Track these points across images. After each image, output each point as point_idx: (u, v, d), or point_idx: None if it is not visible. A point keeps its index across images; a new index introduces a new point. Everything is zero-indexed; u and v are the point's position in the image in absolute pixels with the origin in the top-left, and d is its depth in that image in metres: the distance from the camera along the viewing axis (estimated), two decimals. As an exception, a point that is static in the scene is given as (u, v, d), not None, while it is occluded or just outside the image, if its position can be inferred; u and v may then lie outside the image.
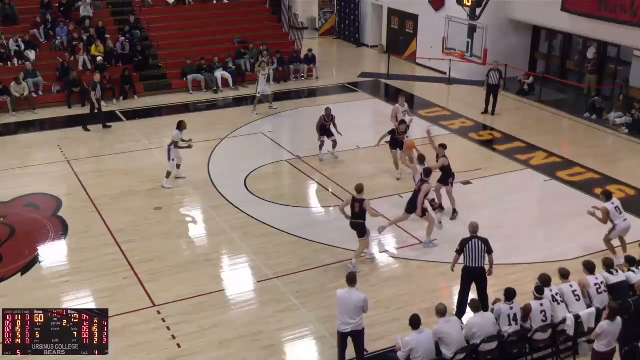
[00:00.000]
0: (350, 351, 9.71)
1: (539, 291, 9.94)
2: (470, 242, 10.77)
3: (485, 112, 21.53)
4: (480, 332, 9.47)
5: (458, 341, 9.37)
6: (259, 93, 21.36)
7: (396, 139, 16.18)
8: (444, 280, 12.34)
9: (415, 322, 9.19)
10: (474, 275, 10.83)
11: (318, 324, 11.01)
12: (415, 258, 13.08)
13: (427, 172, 13.36)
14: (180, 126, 15.93)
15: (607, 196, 12.69)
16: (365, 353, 9.95)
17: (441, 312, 9.41)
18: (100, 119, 20.11)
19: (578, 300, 10.20)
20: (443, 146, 14.46)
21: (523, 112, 22.01)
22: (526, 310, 9.87)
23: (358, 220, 12.28)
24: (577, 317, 9.92)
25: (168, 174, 16.01)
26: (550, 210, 15.12)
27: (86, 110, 20.94)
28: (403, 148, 16.02)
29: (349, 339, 9.61)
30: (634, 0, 19.44)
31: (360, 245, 12.54)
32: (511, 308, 9.75)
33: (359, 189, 12.27)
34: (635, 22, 19.58)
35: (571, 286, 10.30)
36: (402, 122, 16.47)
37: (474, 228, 10.93)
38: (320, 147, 17.45)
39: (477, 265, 10.75)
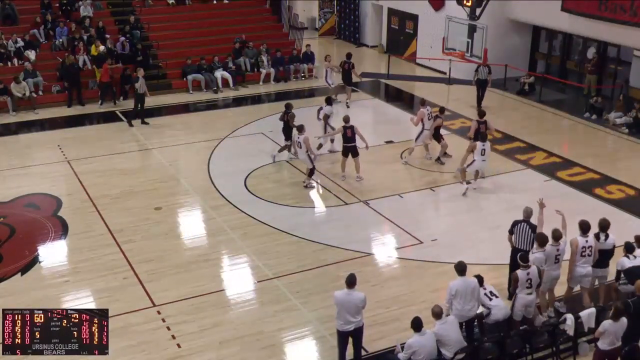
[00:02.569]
0: (349, 350, 9.71)
1: (524, 259, 10.22)
2: (519, 225, 11.17)
3: (479, 107, 21.58)
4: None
5: (456, 341, 9.37)
6: (332, 84, 22.27)
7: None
8: (444, 280, 12.27)
9: (417, 325, 9.16)
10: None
11: (318, 324, 11.00)
12: (415, 258, 13.08)
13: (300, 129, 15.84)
14: (333, 100, 18.51)
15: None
16: (365, 353, 9.95)
17: (437, 314, 9.37)
18: (140, 115, 20.31)
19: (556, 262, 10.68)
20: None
21: (523, 112, 22.00)
22: (514, 280, 10.20)
23: (352, 144, 15.79)
24: (577, 317, 9.93)
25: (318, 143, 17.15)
26: (550, 210, 15.08)
27: (86, 110, 21.07)
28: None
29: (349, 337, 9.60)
30: (634, 0, 19.44)
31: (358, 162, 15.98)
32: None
33: (347, 119, 15.95)
34: (635, 22, 19.55)
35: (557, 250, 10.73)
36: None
37: (527, 213, 11.28)
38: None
39: (523, 249, 10.98)
